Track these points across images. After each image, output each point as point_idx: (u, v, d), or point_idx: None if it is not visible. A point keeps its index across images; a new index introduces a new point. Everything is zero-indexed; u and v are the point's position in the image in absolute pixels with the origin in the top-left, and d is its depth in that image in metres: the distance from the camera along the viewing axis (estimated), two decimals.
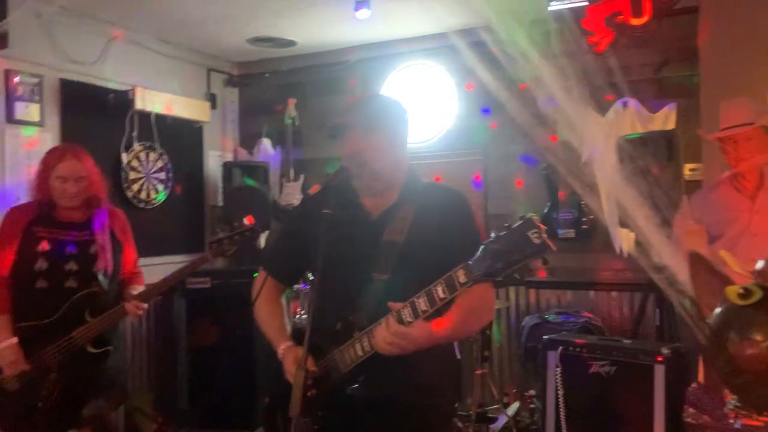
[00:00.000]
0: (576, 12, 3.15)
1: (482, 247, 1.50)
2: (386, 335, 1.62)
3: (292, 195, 5.13)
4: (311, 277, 2.09)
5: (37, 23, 3.83)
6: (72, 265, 2.69)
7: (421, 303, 1.61)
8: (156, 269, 4.60)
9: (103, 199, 2.85)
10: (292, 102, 5.01)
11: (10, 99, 3.75)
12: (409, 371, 1.74)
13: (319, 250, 1.68)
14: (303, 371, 1.53)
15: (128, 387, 3.04)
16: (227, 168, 4.97)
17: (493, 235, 1.50)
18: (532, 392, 3.96)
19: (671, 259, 2.84)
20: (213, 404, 4.55)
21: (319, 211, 1.76)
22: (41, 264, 2.66)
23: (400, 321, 1.62)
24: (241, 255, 5.10)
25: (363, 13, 3.90)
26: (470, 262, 1.53)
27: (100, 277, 2.72)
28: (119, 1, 3.88)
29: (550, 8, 3.33)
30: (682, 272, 2.63)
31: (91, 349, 2.66)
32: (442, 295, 1.58)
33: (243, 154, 5.37)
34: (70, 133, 4.09)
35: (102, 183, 2.87)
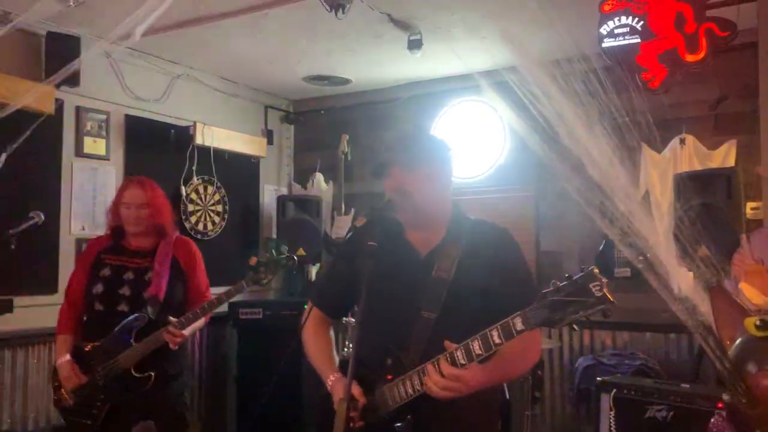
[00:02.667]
0: (629, 49, 3.12)
1: (541, 295, 1.50)
2: (439, 379, 1.61)
3: (343, 228, 5.19)
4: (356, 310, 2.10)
5: (106, 62, 4.05)
6: (126, 290, 2.77)
7: (476, 346, 1.60)
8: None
9: (168, 228, 2.93)
10: (345, 138, 5.10)
11: (80, 134, 3.96)
12: (456, 412, 1.73)
13: (365, 281, 1.69)
14: (346, 402, 1.54)
15: (187, 417, 2.94)
16: (281, 201, 5.09)
17: (552, 284, 1.49)
18: None
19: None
20: None
21: (364, 243, 1.79)
22: (99, 288, 2.78)
23: (453, 362, 1.62)
24: (292, 286, 5.19)
25: (416, 52, 3.97)
26: (528, 311, 1.52)
27: (149, 303, 2.75)
28: (181, 41, 4.07)
29: (603, 45, 3.32)
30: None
31: (135, 373, 2.69)
32: (497, 341, 1.58)
33: (297, 189, 5.48)
34: (133, 167, 4.27)
35: (167, 212, 2.95)
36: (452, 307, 1.77)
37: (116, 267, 2.82)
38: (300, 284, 5.16)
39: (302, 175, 5.51)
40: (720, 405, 2.86)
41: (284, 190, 5.49)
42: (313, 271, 5.26)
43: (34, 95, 3.26)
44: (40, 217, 2.64)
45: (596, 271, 1.43)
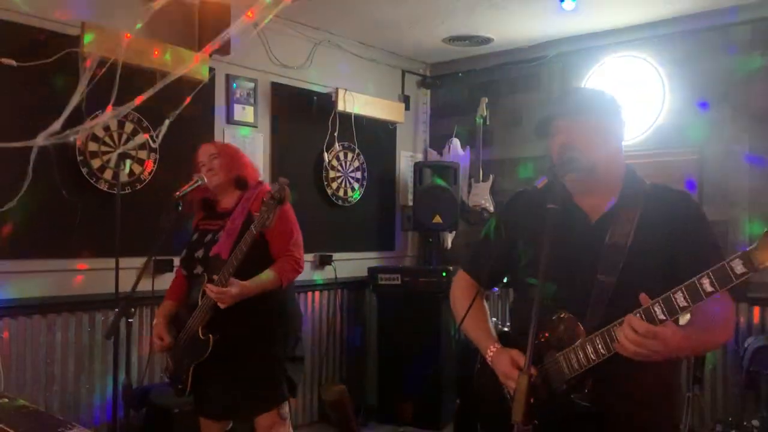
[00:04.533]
0: None
1: (765, 232, 1.29)
2: (632, 334, 1.45)
3: (481, 196, 5.05)
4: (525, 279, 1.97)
5: (254, 30, 4.12)
6: (200, 252, 2.68)
7: (680, 298, 1.41)
8: (349, 264, 4.80)
9: (249, 180, 2.76)
10: (484, 101, 4.93)
11: (231, 102, 4.09)
12: (636, 382, 1.61)
13: (542, 245, 1.57)
14: (527, 375, 1.43)
15: (283, 386, 2.67)
16: (418, 168, 5.03)
17: None
18: (754, 423, 3.49)
19: None
20: (400, 400, 4.61)
21: (534, 207, 1.69)
22: (183, 254, 2.76)
23: (650, 319, 1.46)
24: (428, 253, 5.15)
25: (569, 4, 3.70)
26: (752, 249, 1.31)
27: (212, 263, 2.58)
28: (324, 6, 4.06)
29: None
30: None
31: (201, 336, 2.53)
32: (709, 289, 1.37)
33: (433, 155, 5.39)
34: (279, 133, 4.37)
35: (244, 164, 2.80)
36: (632, 272, 1.63)
37: (203, 231, 2.75)
38: (437, 251, 5.10)
39: (438, 141, 5.41)
40: None
41: (420, 157, 5.42)
42: (449, 239, 5.17)
43: (191, 63, 3.37)
44: (203, 179, 2.68)
45: None
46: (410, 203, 5.21)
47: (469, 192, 5.09)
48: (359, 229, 4.97)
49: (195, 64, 3.50)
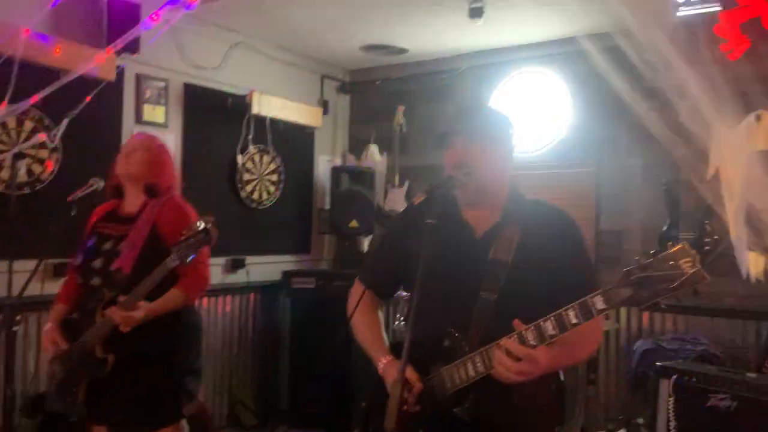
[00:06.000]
0: (707, 18, 2.93)
1: (625, 272, 1.44)
2: (509, 362, 1.55)
3: (397, 201, 5.14)
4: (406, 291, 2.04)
5: (166, 30, 4.06)
6: (98, 263, 2.52)
7: (549, 326, 1.54)
8: (263, 267, 4.79)
9: (162, 188, 2.61)
10: (401, 109, 5.03)
11: (139, 102, 4.01)
12: (514, 395, 1.69)
13: (421, 260, 1.64)
14: (400, 384, 1.50)
15: (182, 401, 2.58)
16: (335, 172, 5.07)
17: (636, 261, 1.43)
18: (640, 421, 3.72)
19: None
20: (312, 404, 4.63)
21: (421, 220, 1.73)
22: (78, 260, 2.58)
23: (522, 343, 1.56)
24: (344, 257, 5.20)
25: (476, 21, 3.84)
26: (610, 290, 1.46)
27: (113, 277, 2.46)
28: (240, 9, 4.05)
29: (678, 14, 3.13)
30: None
31: (98, 354, 2.40)
32: (574, 321, 1.51)
33: (351, 160, 5.46)
34: (191, 135, 4.32)
35: (166, 170, 2.65)
36: (512, 289, 1.72)
37: (101, 236, 2.58)
38: (352, 255, 5.15)
39: (357, 146, 5.47)
40: None
41: (338, 161, 5.47)
42: (365, 242, 5.25)
43: (95, 62, 3.29)
44: (99, 183, 2.59)
45: (687, 245, 1.36)
46: (327, 207, 5.25)
47: (385, 197, 5.18)
48: (274, 232, 4.96)
49: (102, 63, 3.42)
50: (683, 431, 2.99)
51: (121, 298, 2.35)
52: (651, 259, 1.39)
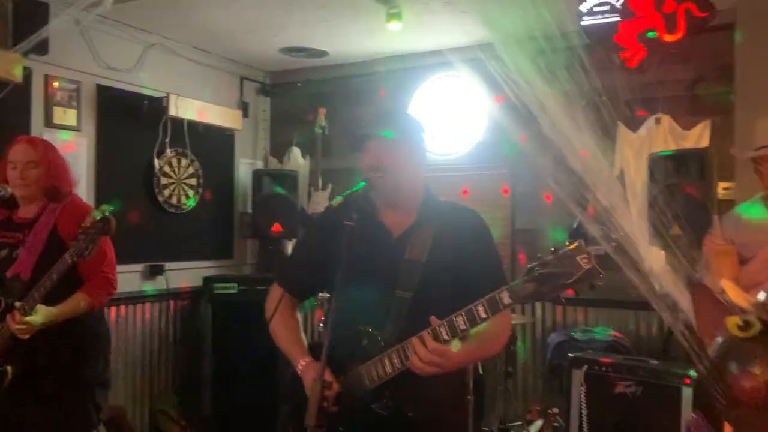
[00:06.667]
0: (608, 27, 3.12)
1: (529, 269, 1.52)
2: (424, 353, 1.62)
3: (320, 204, 5.16)
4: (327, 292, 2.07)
5: (77, 30, 3.93)
6: None
7: (460, 321, 1.62)
8: (183, 273, 4.70)
9: (63, 193, 2.52)
10: (322, 112, 5.04)
11: (49, 104, 3.86)
12: (432, 390, 1.75)
13: (340, 262, 1.68)
14: (320, 383, 1.53)
15: (93, 414, 2.50)
16: (257, 176, 5.04)
17: (539, 258, 1.51)
18: (555, 410, 3.90)
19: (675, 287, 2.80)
20: (236, 411, 4.58)
21: (339, 223, 1.78)
22: None
23: (436, 338, 1.63)
24: (267, 261, 5.17)
25: (394, 25, 3.92)
26: (515, 285, 1.54)
27: (9, 284, 2.37)
28: (155, 10, 3.97)
29: (582, 23, 3.31)
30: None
31: None
32: (483, 315, 1.59)
33: (273, 163, 5.43)
34: (105, 138, 4.19)
35: (64, 175, 2.56)
36: (427, 287, 1.79)
37: None
38: (276, 259, 5.13)
39: (278, 149, 5.45)
40: (687, 381, 2.95)
41: (260, 164, 5.43)
42: (289, 246, 5.23)
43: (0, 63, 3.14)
44: (6, 190, 2.46)
45: (583, 243, 1.46)
46: (249, 211, 5.20)
47: (308, 200, 5.18)
48: (194, 238, 4.87)
49: (6, 63, 3.28)
50: (594, 417, 3.17)
51: (16, 305, 2.26)
52: (551, 257, 1.48)
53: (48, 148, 2.56)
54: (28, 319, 2.23)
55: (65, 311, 2.35)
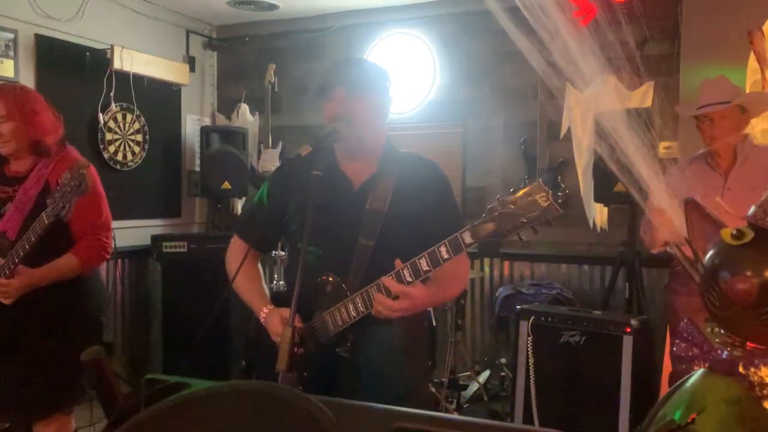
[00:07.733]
0: None
1: (489, 209, 1.55)
2: (385, 298, 1.66)
3: (270, 162, 5.10)
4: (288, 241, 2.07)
5: None
6: None
7: (423, 263, 1.65)
8: (130, 232, 4.59)
9: (49, 146, 2.34)
10: (271, 67, 4.95)
11: None
12: (392, 334, 1.80)
13: (307, 210, 1.70)
14: (291, 328, 1.56)
15: (80, 385, 2.38)
16: (205, 133, 4.93)
17: (498, 198, 1.54)
18: (503, 360, 4.07)
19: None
20: (187, 370, 4.54)
21: (303, 173, 1.77)
22: None
23: (400, 280, 1.66)
24: (217, 219, 5.11)
25: None
26: (476, 225, 1.57)
27: None
28: None
29: None
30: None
31: None
32: (445, 256, 1.63)
33: (221, 120, 5.32)
34: (45, 91, 3.95)
35: (46, 126, 2.35)
36: (389, 235, 1.82)
37: None
38: (226, 218, 5.08)
39: (227, 106, 5.34)
40: (628, 329, 3.11)
41: (207, 121, 5.31)
42: (239, 204, 5.18)
43: None
44: None
45: (541, 182, 1.50)
46: (197, 168, 5.10)
47: (258, 158, 5.12)
48: (141, 195, 4.76)
49: None
50: (540, 366, 3.30)
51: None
52: (510, 196, 1.52)
53: (19, 97, 2.33)
54: (7, 281, 2.12)
55: (51, 274, 2.23)
